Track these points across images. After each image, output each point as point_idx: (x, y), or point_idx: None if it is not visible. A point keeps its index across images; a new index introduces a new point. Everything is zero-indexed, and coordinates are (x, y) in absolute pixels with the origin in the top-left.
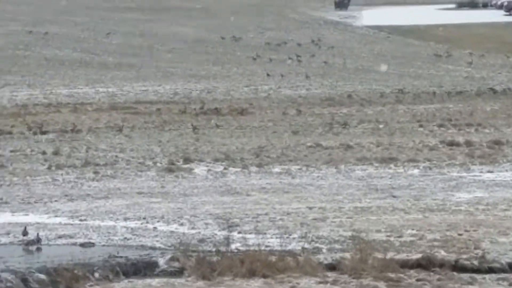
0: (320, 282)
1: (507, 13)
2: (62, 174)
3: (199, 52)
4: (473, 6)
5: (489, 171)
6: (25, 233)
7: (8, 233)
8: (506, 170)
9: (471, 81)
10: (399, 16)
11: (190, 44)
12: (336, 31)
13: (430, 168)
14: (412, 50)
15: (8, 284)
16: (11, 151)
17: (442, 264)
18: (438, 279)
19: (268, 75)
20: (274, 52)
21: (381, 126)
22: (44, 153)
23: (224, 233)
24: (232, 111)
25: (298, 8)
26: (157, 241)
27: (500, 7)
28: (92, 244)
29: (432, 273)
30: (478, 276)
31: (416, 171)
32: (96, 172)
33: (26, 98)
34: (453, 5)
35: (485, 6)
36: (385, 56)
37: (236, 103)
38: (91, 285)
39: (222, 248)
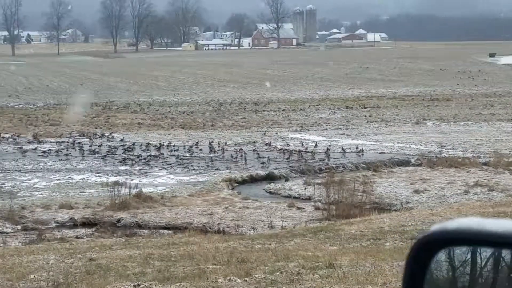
0: (479, 170)
1: None
2: (372, 124)
3: (428, 78)
4: None
5: None
6: (357, 147)
7: (350, 148)
8: None
9: None
10: None
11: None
12: (488, 65)
13: None
14: None
15: (348, 167)
16: (352, 115)
17: None
18: None
19: (457, 84)
20: (461, 74)
21: (507, 105)
22: (365, 116)
23: (439, 149)
24: (443, 99)
25: (471, 57)
26: (410, 152)
27: None
28: (384, 153)
29: None
30: None
31: None
32: (386, 123)
33: (357, 94)
34: None
35: None
36: (509, 76)
37: (445, 96)
38: (384, 169)
39: (438, 155)
